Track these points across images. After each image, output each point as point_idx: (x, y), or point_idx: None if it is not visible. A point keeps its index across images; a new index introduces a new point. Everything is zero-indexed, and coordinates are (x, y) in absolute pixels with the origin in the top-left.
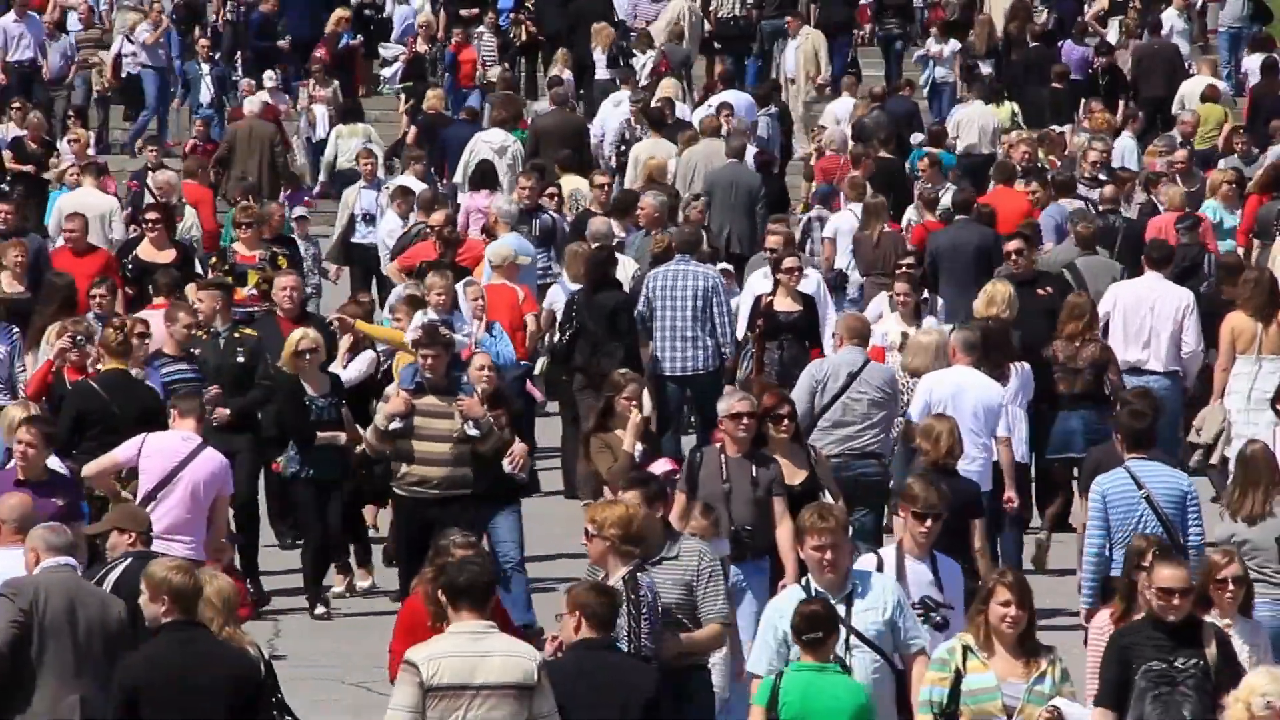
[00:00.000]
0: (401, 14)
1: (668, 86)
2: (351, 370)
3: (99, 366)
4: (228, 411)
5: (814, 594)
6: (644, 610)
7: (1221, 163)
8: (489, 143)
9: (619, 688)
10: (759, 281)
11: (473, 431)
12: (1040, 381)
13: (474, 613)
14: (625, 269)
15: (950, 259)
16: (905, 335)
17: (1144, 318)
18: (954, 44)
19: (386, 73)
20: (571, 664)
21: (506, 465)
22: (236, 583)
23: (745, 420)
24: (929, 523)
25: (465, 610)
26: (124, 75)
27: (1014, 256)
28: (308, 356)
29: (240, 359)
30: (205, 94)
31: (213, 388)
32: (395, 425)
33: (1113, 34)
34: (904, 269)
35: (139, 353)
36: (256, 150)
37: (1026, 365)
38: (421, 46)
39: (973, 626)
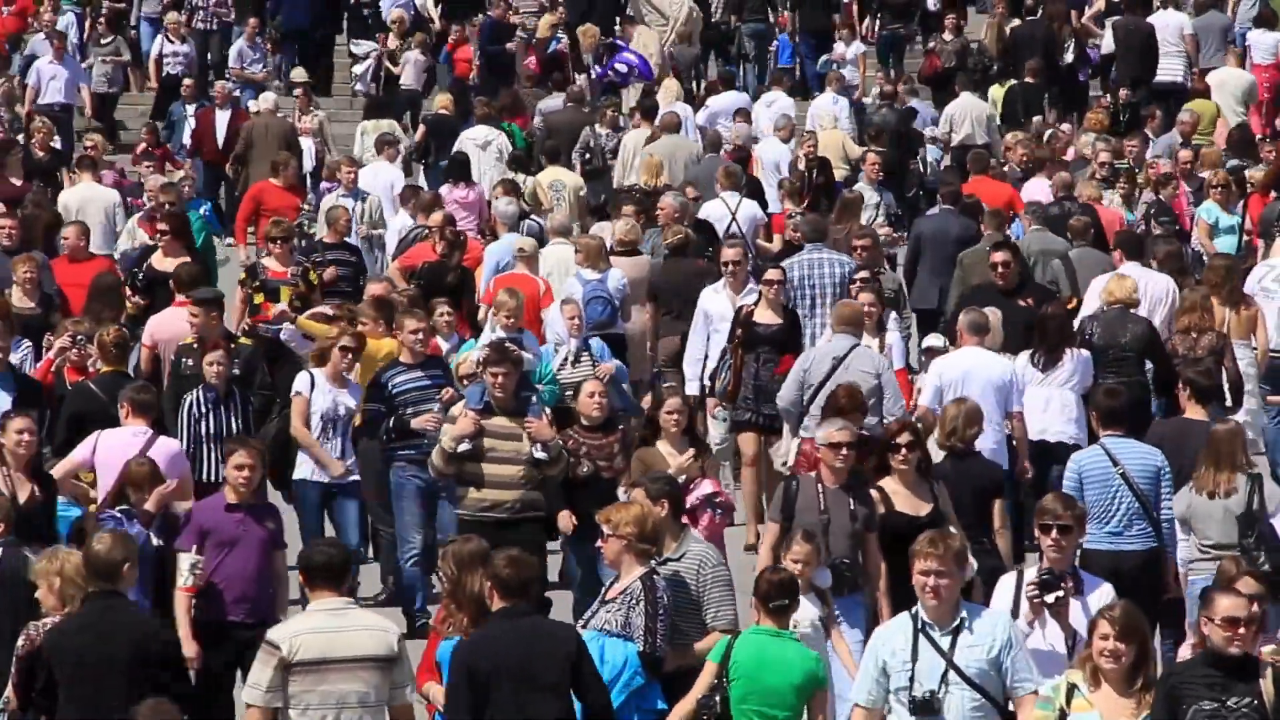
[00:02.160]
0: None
1: (670, 87)
2: None
3: (98, 367)
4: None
5: (921, 625)
6: (660, 611)
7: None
8: (473, 139)
9: (542, 651)
10: (710, 297)
11: (540, 454)
12: (1162, 375)
13: (331, 590)
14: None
15: (932, 247)
16: (868, 348)
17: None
18: (858, 46)
19: (358, 69)
20: (493, 634)
21: (622, 494)
22: None
23: (844, 451)
24: (1054, 535)
25: (322, 588)
26: (164, 75)
27: (999, 268)
28: (468, 381)
29: (235, 370)
30: (188, 135)
31: (447, 390)
32: (464, 447)
33: (1108, 38)
34: (860, 282)
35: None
36: (274, 146)
37: (1084, 352)
38: (393, 43)
39: (1081, 660)
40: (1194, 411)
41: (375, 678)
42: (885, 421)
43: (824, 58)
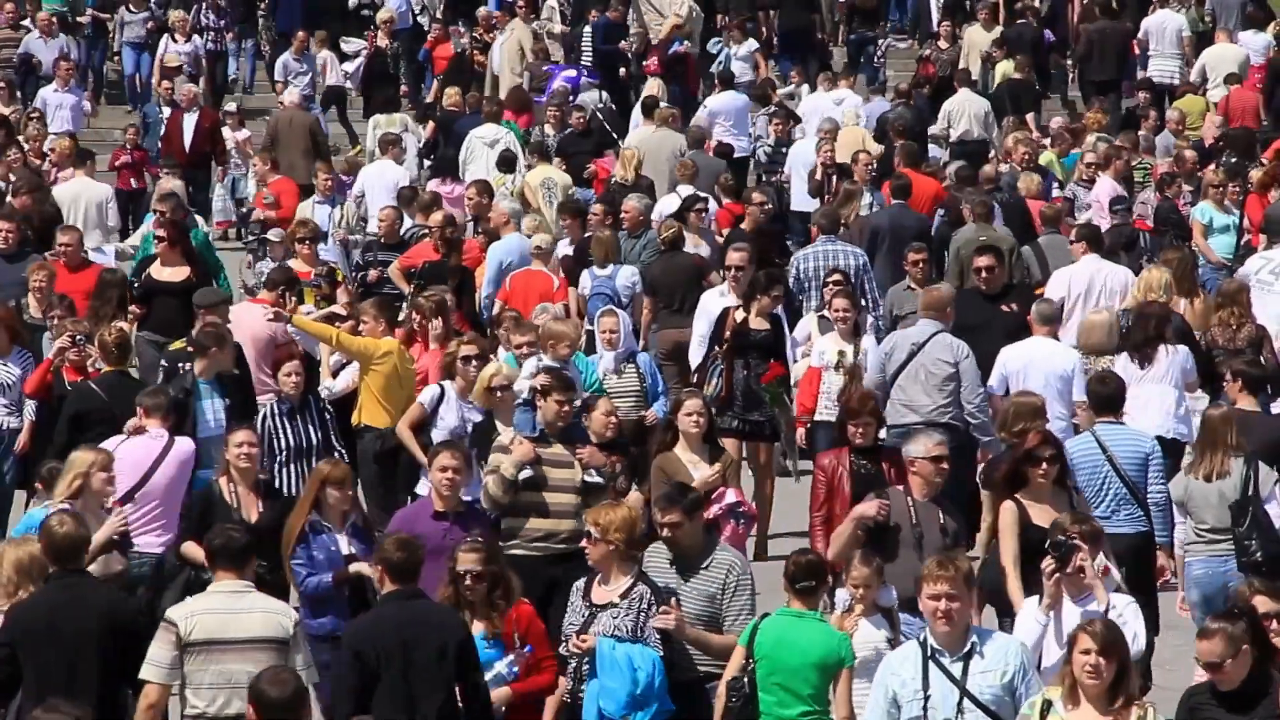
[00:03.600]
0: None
1: (652, 87)
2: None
3: (98, 366)
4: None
5: (930, 650)
6: (644, 619)
7: (1211, 169)
8: (481, 137)
9: (434, 633)
10: (714, 299)
11: (593, 479)
12: (1200, 366)
13: (231, 572)
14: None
15: (889, 240)
16: (842, 354)
17: (1097, 297)
18: (750, 43)
19: (348, 67)
20: (383, 616)
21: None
22: None
23: (944, 464)
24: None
25: (222, 570)
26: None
27: (983, 273)
28: (500, 394)
29: (238, 371)
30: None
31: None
32: (525, 474)
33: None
34: (833, 285)
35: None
36: (299, 139)
37: (1183, 348)
38: (383, 41)
39: (1060, 676)
40: (1245, 402)
41: (269, 660)
42: (966, 410)
43: (715, 43)
